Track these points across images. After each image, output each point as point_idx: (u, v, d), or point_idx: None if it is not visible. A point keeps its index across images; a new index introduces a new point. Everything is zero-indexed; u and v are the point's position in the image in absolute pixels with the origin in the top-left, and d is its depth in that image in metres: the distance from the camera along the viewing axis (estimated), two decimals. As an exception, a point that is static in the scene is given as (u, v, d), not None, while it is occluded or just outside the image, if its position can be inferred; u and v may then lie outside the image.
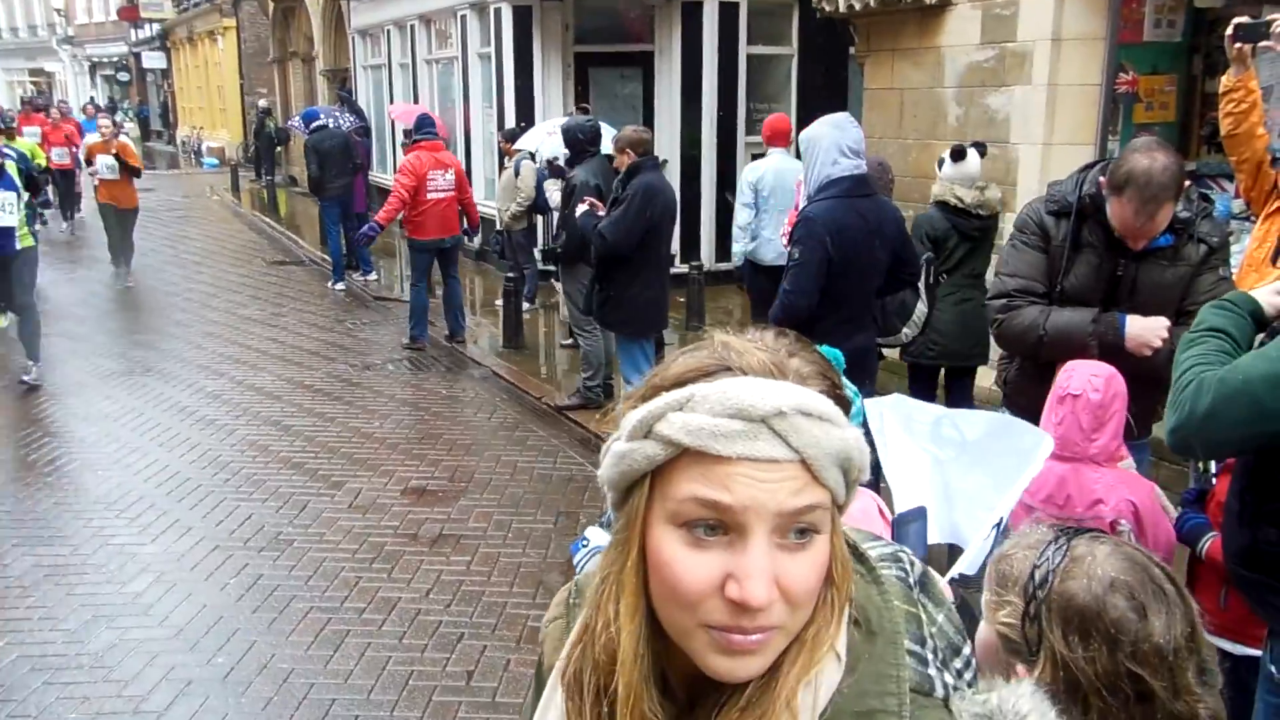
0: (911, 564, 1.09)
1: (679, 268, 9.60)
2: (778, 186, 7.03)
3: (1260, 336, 2.05)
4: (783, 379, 0.87)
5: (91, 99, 29.38)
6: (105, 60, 42.62)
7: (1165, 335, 2.91)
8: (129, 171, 12.00)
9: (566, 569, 5.09)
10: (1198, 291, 3.02)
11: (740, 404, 0.83)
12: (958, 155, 5.36)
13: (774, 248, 6.99)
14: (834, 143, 4.06)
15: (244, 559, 5.18)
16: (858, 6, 7.49)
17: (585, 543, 2.05)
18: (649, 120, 11.66)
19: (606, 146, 7.63)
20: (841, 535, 0.93)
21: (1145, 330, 2.96)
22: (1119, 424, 2.62)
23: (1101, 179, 3.02)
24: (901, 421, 2.63)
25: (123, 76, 41.82)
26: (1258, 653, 2.18)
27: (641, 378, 4.54)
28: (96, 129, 12.95)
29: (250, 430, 7.18)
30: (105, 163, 11.75)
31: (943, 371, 5.56)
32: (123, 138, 12.43)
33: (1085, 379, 2.64)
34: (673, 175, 10.21)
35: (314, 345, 9.65)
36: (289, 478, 6.28)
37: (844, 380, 2.47)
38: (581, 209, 6.37)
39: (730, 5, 11.32)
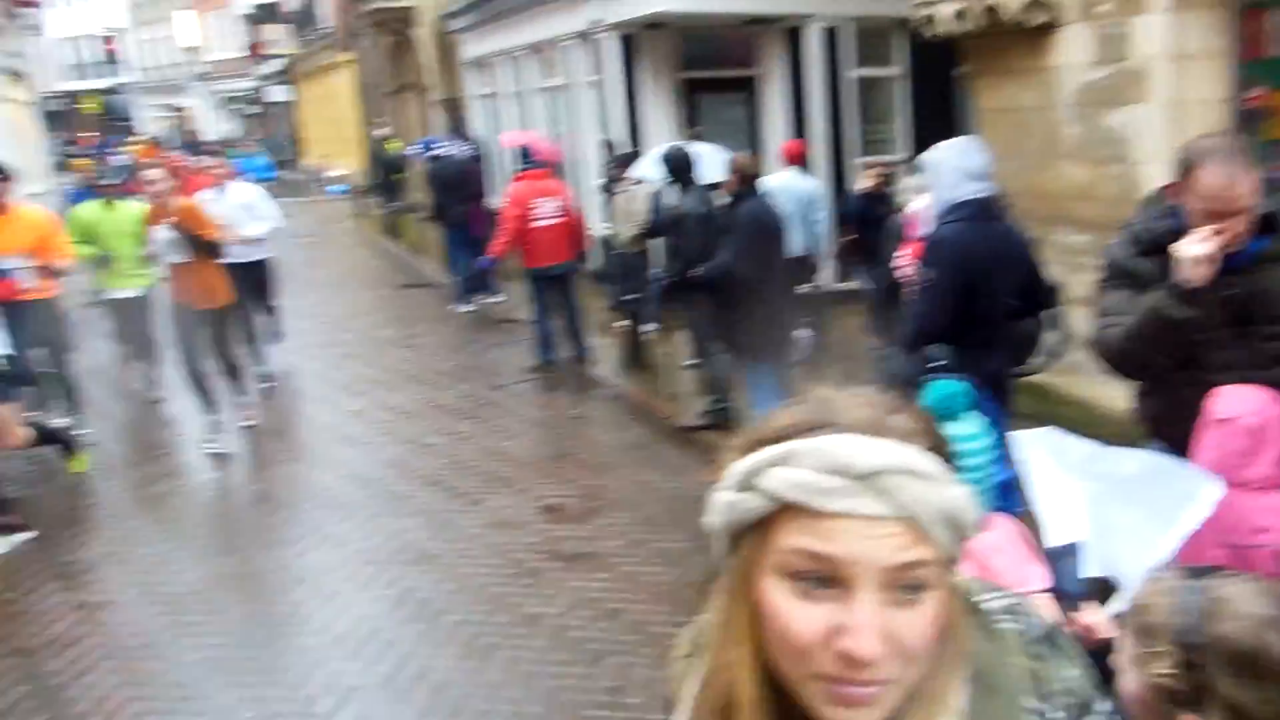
0: (1034, 616, 1.05)
1: (800, 289, 9.71)
2: (787, 200, 8.28)
3: None
4: (884, 436, 0.88)
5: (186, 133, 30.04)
6: (235, 95, 44.82)
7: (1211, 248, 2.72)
8: (204, 250, 7.29)
9: (704, 586, 5.25)
10: None
11: (841, 461, 0.85)
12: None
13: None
14: (957, 166, 4.10)
15: (394, 572, 5.45)
16: (962, 29, 7.51)
17: None
18: (755, 144, 11.78)
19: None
20: (955, 590, 0.93)
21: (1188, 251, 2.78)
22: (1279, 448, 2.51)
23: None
24: (1053, 454, 2.57)
25: (251, 110, 43.93)
26: None
27: (767, 399, 4.69)
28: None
29: (392, 448, 7.53)
30: (164, 236, 7.22)
31: None
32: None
33: (1238, 403, 2.56)
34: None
35: (447, 366, 10.01)
36: (431, 494, 6.57)
37: (972, 413, 2.53)
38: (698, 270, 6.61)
39: (833, 29, 11.36)
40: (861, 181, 9.31)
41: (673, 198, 7.66)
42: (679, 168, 7.51)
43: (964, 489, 0.90)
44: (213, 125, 44.52)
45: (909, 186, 6.64)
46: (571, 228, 9.45)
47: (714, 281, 6.34)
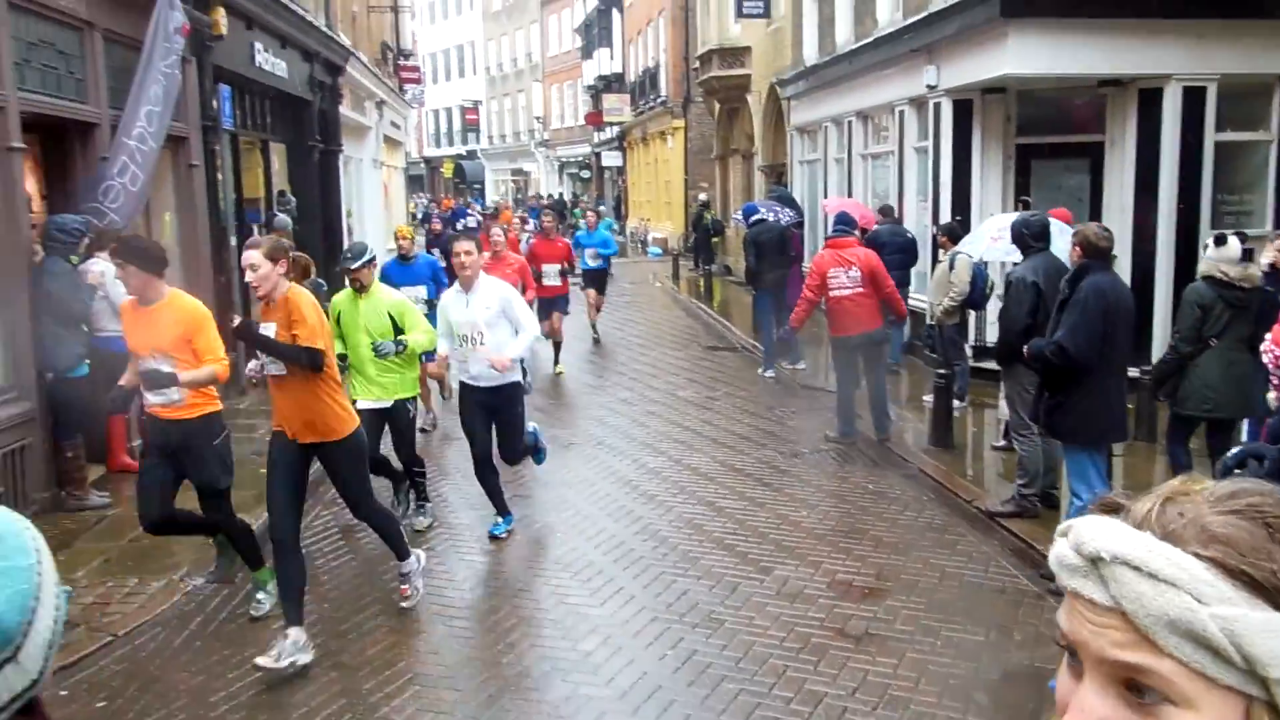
0: None
1: (1129, 372, 8.95)
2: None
3: None
4: (1151, 529, 0.82)
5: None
6: (571, 160, 48.24)
7: None
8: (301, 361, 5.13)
9: (999, 686, 4.90)
10: None
11: (1078, 540, 0.85)
12: (1220, 241, 6.35)
13: None
14: None
15: (680, 632, 5.48)
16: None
17: None
18: (1096, 213, 11.05)
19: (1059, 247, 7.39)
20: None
21: None
22: None
23: None
24: None
25: (585, 174, 47.08)
26: None
27: (1089, 491, 4.36)
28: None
29: (686, 508, 7.63)
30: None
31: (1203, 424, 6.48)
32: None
33: None
34: (1123, 272, 9.58)
35: (745, 430, 10.07)
36: (720, 558, 6.57)
37: None
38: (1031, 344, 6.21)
39: (1195, 90, 10.49)
40: (1265, 254, 8.21)
41: (1009, 269, 7.28)
42: (1032, 236, 7.08)
43: (1220, 611, 0.77)
44: (549, 189, 48.16)
45: (1216, 257, 6.21)
46: (884, 296, 9.24)
47: (1044, 358, 5.95)
